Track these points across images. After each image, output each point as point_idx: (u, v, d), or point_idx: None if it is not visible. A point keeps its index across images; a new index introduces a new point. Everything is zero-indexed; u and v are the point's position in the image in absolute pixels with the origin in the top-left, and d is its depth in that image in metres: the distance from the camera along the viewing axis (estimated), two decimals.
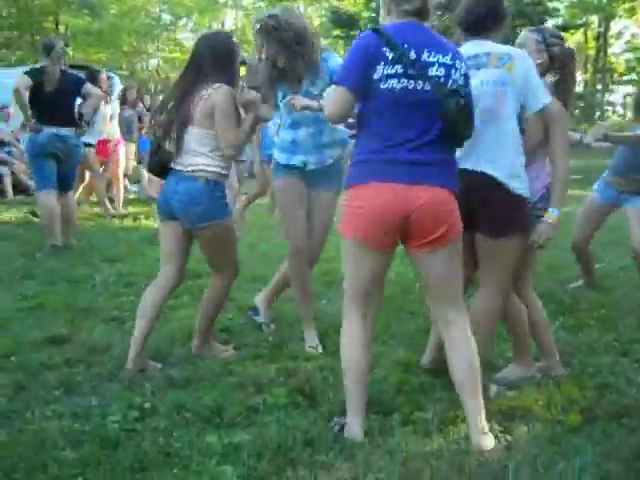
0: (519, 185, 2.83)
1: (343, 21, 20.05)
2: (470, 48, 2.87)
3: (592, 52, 32.77)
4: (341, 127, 3.55)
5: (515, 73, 2.80)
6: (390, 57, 2.43)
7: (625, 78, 34.72)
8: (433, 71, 2.46)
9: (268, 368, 3.25)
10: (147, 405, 2.76)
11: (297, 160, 3.60)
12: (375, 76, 2.44)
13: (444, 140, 2.51)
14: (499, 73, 2.81)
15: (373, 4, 18.96)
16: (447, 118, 2.45)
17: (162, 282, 3.32)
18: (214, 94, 3.14)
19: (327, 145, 3.59)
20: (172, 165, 3.27)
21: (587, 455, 2.39)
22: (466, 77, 2.56)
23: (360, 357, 2.60)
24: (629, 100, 28.67)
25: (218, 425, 2.63)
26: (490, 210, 2.83)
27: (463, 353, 2.54)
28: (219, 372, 3.19)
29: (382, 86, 2.44)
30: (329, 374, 3.13)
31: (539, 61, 3.06)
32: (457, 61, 2.53)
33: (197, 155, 3.20)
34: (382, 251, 2.57)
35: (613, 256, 6.20)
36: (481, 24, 2.91)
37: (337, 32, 21.10)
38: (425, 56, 2.46)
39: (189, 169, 3.21)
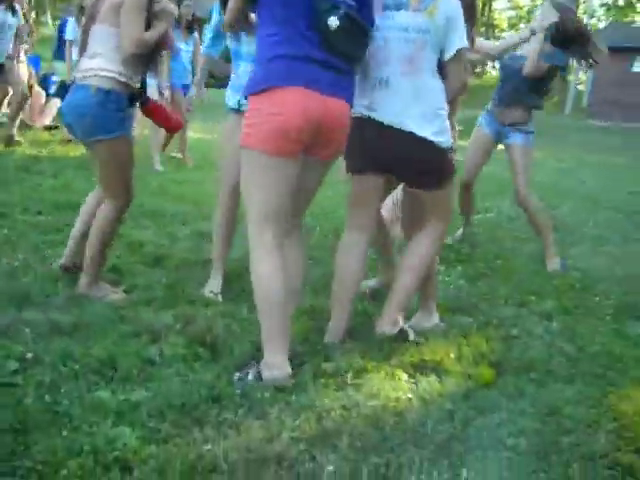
0: (445, 139, 2.71)
1: None
2: None
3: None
4: None
5: (437, 17, 2.60)
6: None
7: (505, 34, 36.31)
8: None
9: (164, 314, 2.96)
10: (29, 355, 2.41)
11: (233, 101, 3.28)
12: None
13: None
14: (420, 19, 2.61)
15: None
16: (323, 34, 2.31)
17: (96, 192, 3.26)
18: None
19: None
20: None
21: (502, 411, 2.35)
22: None
23: (281, 288, 2.39)
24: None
25: (111, 379, 2.34)
26: (420, 166, 2.72)
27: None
28: (109, 317, 2.86)
29: None
30: (231, 322, 2.91)
31: None
32: None
33: (94, 57, 2.86)
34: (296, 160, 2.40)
35: (502, 206, 6.35)
36: None
37: None
38: None
39: (80, 75, 2.87)
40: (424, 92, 2.65)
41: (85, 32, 2.96)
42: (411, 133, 2.63)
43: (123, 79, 2.90)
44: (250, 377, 2.38)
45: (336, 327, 2.85)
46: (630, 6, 36.11)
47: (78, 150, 6.52)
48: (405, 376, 2.55)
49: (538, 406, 2.42)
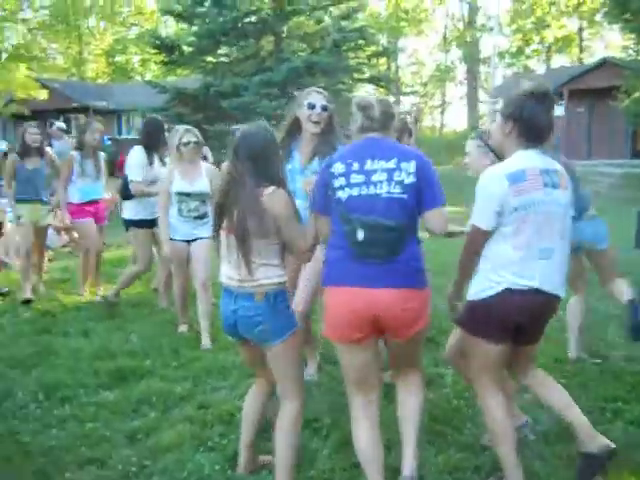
0: None
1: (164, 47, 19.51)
2: (538, 160, 2.84)
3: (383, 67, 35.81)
4: None
5: (568, 192, 2.89)
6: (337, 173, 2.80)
7: (407, 89, 39.06)
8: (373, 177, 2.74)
9: None
10: None
11: None
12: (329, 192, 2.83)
13: None
14: (567, 195, 2.87)
15: (194, 29, 18.90)
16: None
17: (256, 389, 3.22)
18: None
19: None
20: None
21: None
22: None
23: (373, 447, 2.84)
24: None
25: None
26: (541, 323, 2.99)
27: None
28: None
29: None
30: None
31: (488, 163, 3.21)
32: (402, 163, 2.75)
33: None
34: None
35: None
36: (546, 134, 2.89)
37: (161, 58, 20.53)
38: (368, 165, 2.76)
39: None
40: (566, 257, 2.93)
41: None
42: (556, 296, 2.90)
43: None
44: None
45: None
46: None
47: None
48: None
49: None
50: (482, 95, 37.99)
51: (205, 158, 7.06)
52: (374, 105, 2.84)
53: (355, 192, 2.74)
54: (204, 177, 5.22)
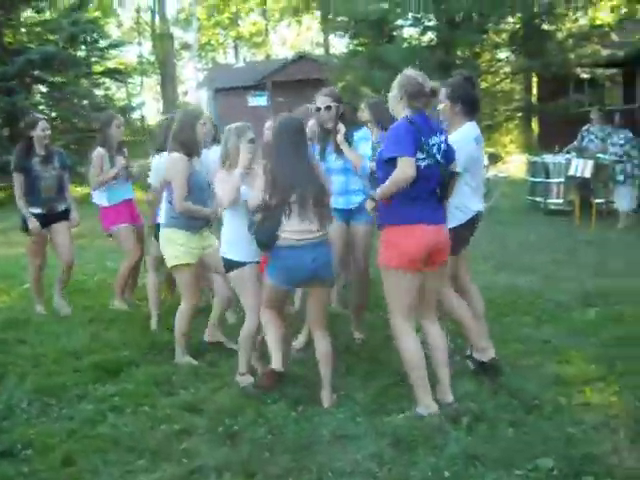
0: None
1: None
2: (474, 129, 4.19)
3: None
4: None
5: None
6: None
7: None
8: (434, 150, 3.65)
9: None
10: None
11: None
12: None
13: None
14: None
15: None
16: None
17: None
18: None
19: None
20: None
21: None
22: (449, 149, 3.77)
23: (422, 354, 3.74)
24: None
25: None
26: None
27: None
28: None
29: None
30: None
31: None
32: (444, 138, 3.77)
33: None
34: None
35: None
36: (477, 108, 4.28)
37: None
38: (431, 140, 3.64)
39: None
40: None
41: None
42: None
43: None
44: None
45: None
46: None
47: None
48: None
49: None
50: (181, 87, 38.94)
51: None
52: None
53: None
54: None
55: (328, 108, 4.65)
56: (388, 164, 3.59)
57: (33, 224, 5.72)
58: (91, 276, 7.51)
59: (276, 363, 3.91)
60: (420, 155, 3.58)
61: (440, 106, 4.23)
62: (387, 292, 3.77)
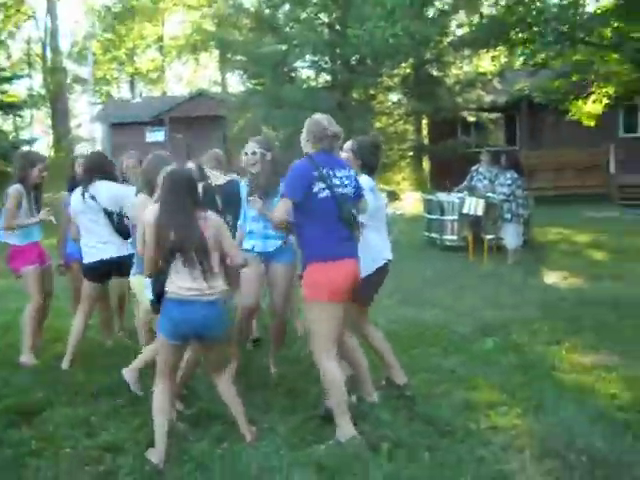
0: None
1: None
2: (369, 181, 4.50)
3: None
4: None
5: None
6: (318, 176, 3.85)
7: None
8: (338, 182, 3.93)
9: None
10: None
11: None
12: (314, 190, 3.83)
13: None
14: None
15: None
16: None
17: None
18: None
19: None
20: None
21: None
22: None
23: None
24: None
25: None
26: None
27: None
28: None
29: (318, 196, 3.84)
30: None
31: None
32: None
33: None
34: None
35: None
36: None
37: None
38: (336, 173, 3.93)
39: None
40: None
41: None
42: None
43: None
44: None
45: None
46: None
47: None
48: None
49: None
50: (73, 121, 37.92)
51: None
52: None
53: None
54: None
55: (254, 153, 4.86)
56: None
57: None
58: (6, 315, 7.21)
59: (158, 456, 3.73)
60: (321, 185, 3.86)
61: (343, 155, 4.54)
62: (312, 322, 3.98)
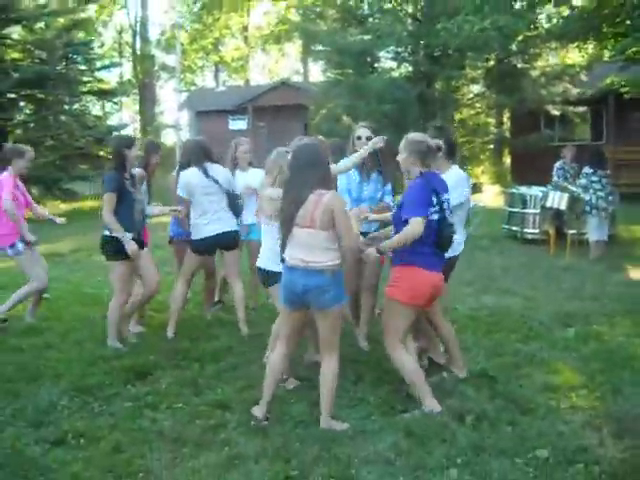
0: None
1: None
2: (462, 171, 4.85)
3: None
4: None
5: None
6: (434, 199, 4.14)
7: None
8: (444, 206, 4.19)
9: None
10: None
11: None
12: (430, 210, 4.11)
13: None
14: None
15: None
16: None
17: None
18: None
19: None
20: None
21: None
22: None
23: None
24: None
25: None
26: None
27: None
28: None
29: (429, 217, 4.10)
30: None
31: None
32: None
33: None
34: None
35: None
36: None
37: None
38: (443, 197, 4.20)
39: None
40: None
41: None
42: None
43: None
44: None
45: None
46: None
47: None
48: None
49: None
50: (158, 108, 39.24)
51: None
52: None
53: None
54: None
55: (368, 138, 5.22)
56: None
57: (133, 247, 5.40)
58: (101, 289, 7.87)
59: (262, 413, 4.16)
60: (435, 208, 4.14)
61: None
62: (389, 317, 4.31)
